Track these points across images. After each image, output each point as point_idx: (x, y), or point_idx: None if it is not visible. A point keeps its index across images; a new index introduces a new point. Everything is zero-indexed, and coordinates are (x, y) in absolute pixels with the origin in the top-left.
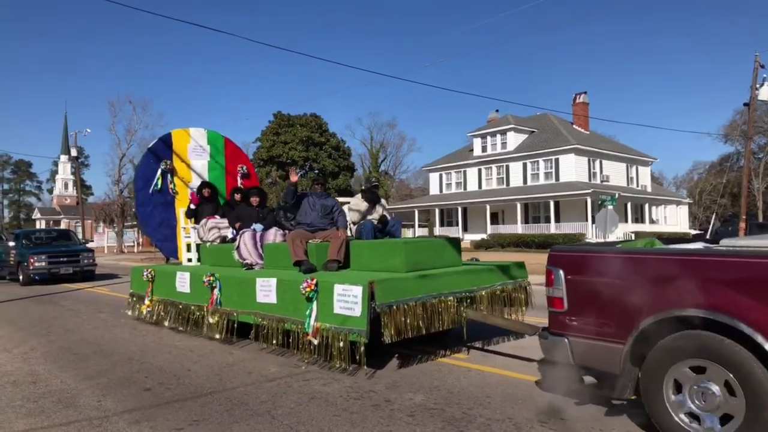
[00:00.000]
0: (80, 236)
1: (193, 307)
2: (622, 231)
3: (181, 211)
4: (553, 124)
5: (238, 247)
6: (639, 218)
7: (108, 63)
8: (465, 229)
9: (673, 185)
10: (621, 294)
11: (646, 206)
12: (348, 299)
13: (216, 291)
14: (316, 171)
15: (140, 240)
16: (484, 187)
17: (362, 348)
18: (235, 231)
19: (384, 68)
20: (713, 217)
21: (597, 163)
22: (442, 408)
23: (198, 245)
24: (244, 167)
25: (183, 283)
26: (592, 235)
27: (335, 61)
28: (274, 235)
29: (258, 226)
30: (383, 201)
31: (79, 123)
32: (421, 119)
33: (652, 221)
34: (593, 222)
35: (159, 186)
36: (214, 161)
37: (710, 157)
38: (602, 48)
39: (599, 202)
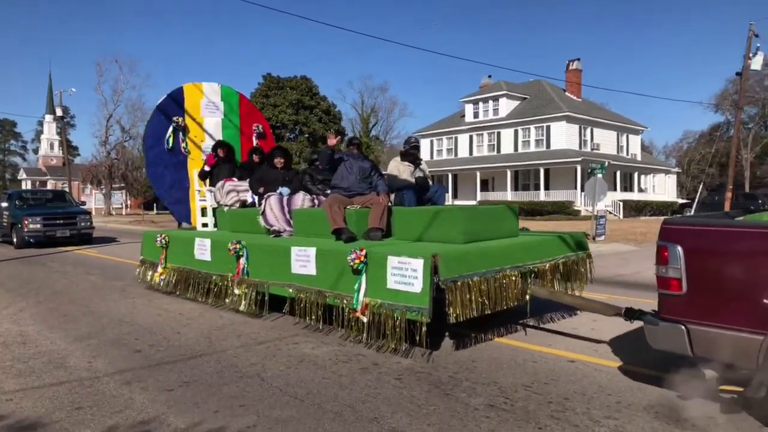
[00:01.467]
0: None
1: (215, 277)
2: (610, 199)
3: (194, 173)
4: (546, 90)
5: (263, 213)
6: (628, 187)
7: (94, 22)
8: (455, 196)
9: (663, 154)
10: (762, 276)
11: (635, 175)
12: (405, 273)
13: (243, 260)
14: (306, 135)
15: (128, 202)
16: (475, 153)
17: (423, 328)
18: (254, 195)
19: (376, 31)
20: (701, 186)
21: (588, 131)
22: (429, 372)
23: (214, 209)
24: (260, 126)
25: (203, 250)
26: (580, 203)
27: (326, 22)
28: (301, 200)
29: (284, 190)
30: (423, 164)
31: (64, 82)
32: (414, 84)
33: (640, 190)
34: (582, 190)
35: (170, 145)
36: (228, 119)
37: (700, 127)
38: (597, 15)
39: (589, 171)
